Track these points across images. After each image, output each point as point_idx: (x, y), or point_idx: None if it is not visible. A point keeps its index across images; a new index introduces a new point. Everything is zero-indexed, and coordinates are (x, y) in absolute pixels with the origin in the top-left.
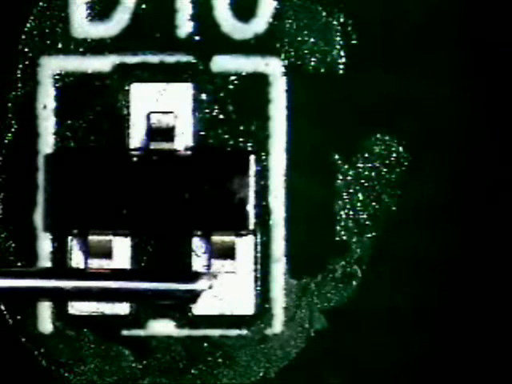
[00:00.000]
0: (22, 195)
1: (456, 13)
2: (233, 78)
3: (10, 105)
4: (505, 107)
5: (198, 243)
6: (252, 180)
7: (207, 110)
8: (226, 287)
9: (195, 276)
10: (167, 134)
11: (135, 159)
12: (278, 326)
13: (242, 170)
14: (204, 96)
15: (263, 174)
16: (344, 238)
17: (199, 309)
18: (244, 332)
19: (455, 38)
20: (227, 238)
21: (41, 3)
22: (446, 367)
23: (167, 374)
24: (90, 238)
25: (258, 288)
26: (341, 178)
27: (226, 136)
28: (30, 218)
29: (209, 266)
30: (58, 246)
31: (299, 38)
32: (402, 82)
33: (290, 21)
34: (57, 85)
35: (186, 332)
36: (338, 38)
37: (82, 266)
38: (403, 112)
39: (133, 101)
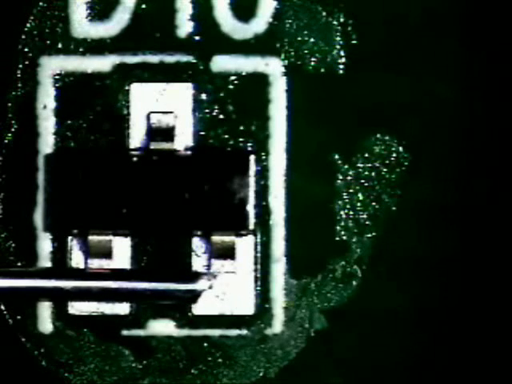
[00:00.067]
0: (22, 195)
1: (456, 13)
2: (233, 77)
3: (10, 105)
4: (505, 107)
5: (198, 243)
6: (252, 180)
7: (207, 110)
8: (226, 287)
9: (195, 276)
10: (167, 134)
11: (135, 159)
12: (277, 325)
13: (242, 169)
14: (204, 96)
15: (263, 174)
16: (344, 238)
17: (199, 309)
18: (244, 332)
19: (455, 38)
20: (227, 238)
21: (41, 3)
22: (446, 367)
23: (167, 374)
24: (90, 238)
25: (258, 288)
26: (341, 177)
27: (226, 136)
28: (30, 218)
29: (209, 266)
30: (58, 246)
31: (299, 38)
32: (402, 82)
33: (289, 21)
34: (57, 85)
35: (185, 332)
36: (338, 38)
37: (82, 266)
38: (403, 112)
39: (133, 101)
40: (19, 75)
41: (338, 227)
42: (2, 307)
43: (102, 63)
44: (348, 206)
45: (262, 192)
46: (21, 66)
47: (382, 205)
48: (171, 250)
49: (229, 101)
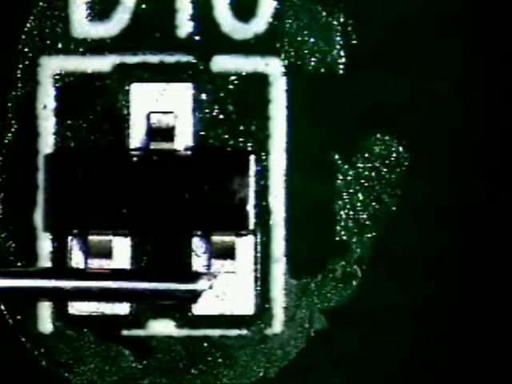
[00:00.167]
0: (22, 195)
1: (456, 13)
2: (233, 77)
3: (10, 105)
4: (505, 107)
5: (198, 243)
6: (252, 180)
7: (207, 110)
8: (226, 287)
9: (195, 276)
10: (167, 134)
11: (135, 159)
12: (277, 325)
13: (242, 169)
14: (204, 96)
15: (263, 174)
16: (344, 238)
17: (199, 309)
18: (244, 332)
19: (455, 37)
20: (227, 238)
21: (41, 3)
22: (445, 367)
23: (167, 374)
24: (90, 238)
25: (258, 288)
26: (341, 177)
27: (226, 136)
28: (30, 218)
29: (209, 266)
30: (58, 246)
31: (299, 38)
32: (402, 82)
33: (289, 21)
34: (57, 85)
35: (185, 332)
36: (338, 38)
37: (82, 266)
38: (403, 112)
39: (133, 101)
40: (19, 75)
41: (337, 227)
42: (2, 307)
43: (102, 63)
44: (348, 206)
45: (262, 192)
46: (21, 65)
47: (381, 205)
48: (171, 250)
49: (229, 101)
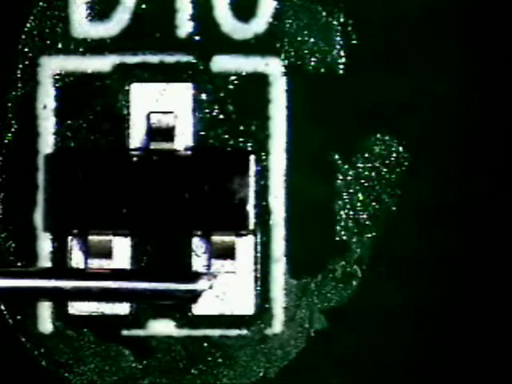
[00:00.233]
0: (22, 195)
1: (456, 13)
2: (233, 77)
3: (10, 105)
4: (505, 107)
5: (198, 243)
6: (252, 180)
7: (207, 110)
8: (226, 287)
9: (195, 276)
10: (167, 134)
11: (135, 159)
12: (277, 325)
13: (242, 169)
14: (204, 96)
15: (263, 174)
16: (344, 238)
17: (199, 309)
18: (244, 332)
19: (455, 37)
20: (227, 238)
21: (41, 3)
22: (445, 367)
23: (167, 374)
24: (90, 238)
25: (258, 288)
26: (341, 177)
27: (226, 136)
28: (30, 218)
29: (209, 266)
30: (58, 246)
31: (299, 38)
32: (402, 82)
33: (289, 21)
34: (57, 85)
35: (185, 332)
36: (338, 38)
37: (82, 266)
38: (403, 112)
39: (133, 101)
40: (19, 75)
41: (338, 227)
42: (2, 307)
43: (102, 63)
44: (348, 206)
45: (262, 192)
46: (21, 65)
47: (381, 205)
48: (171, 250)
49: (229, 101)
